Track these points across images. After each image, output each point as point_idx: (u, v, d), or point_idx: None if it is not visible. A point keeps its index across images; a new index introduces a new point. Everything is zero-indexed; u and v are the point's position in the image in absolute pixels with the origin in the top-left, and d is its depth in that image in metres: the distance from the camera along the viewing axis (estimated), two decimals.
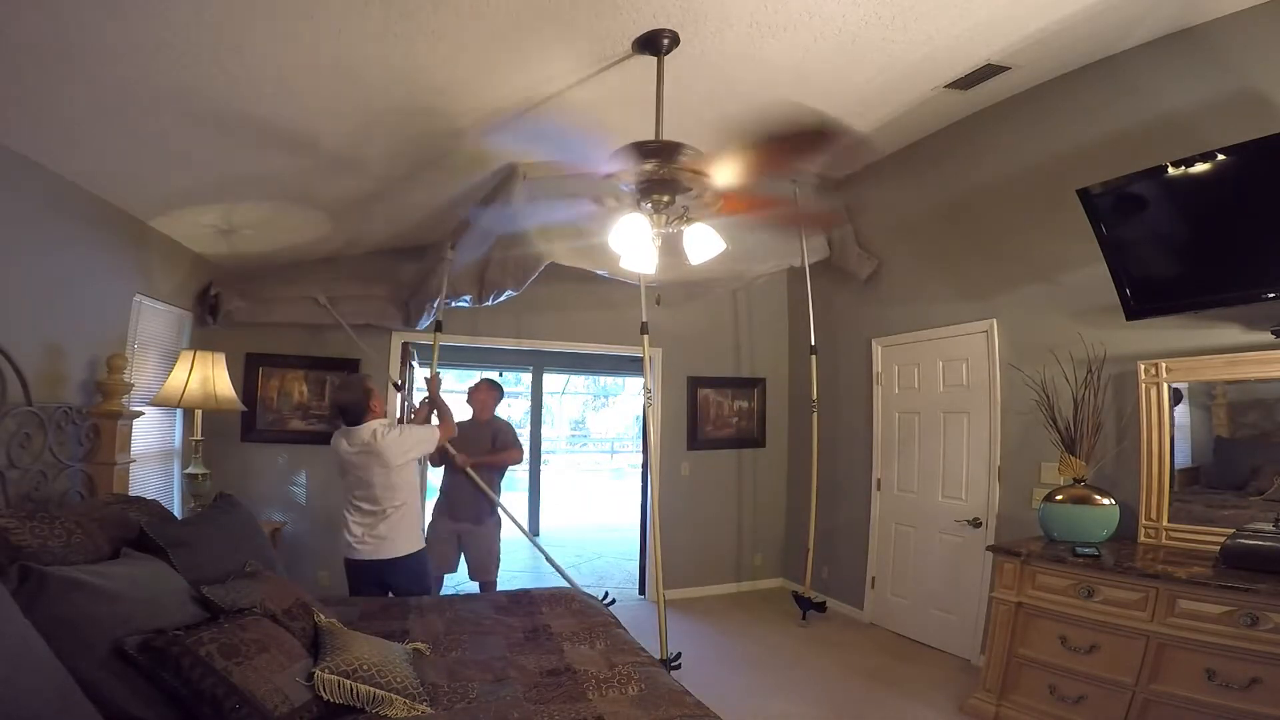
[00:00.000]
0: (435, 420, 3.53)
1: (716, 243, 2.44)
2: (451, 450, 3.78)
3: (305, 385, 4.50)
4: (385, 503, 2.95)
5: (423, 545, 3.16)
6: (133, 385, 2.92)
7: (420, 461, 3.43)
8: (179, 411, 3.76)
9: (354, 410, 2.97)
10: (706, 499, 5.35)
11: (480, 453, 3.98)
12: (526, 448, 9.63)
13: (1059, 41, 2.89)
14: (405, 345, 4.81)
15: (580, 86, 2.67)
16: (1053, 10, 2.62)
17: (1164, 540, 2.76)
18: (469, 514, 3.93)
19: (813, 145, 2.83)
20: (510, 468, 4.24)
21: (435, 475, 4.18)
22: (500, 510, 4.03)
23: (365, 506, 2.97)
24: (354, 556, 2.99)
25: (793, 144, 2.51)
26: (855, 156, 4.40)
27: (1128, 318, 2.85)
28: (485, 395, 4.20)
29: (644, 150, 2.20)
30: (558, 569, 4.18)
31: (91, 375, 2.84)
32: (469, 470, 3.88)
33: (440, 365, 4.07)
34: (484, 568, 3.99)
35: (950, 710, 3.09)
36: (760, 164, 2.30)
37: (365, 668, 1.80)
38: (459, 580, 5.83)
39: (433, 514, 4.01)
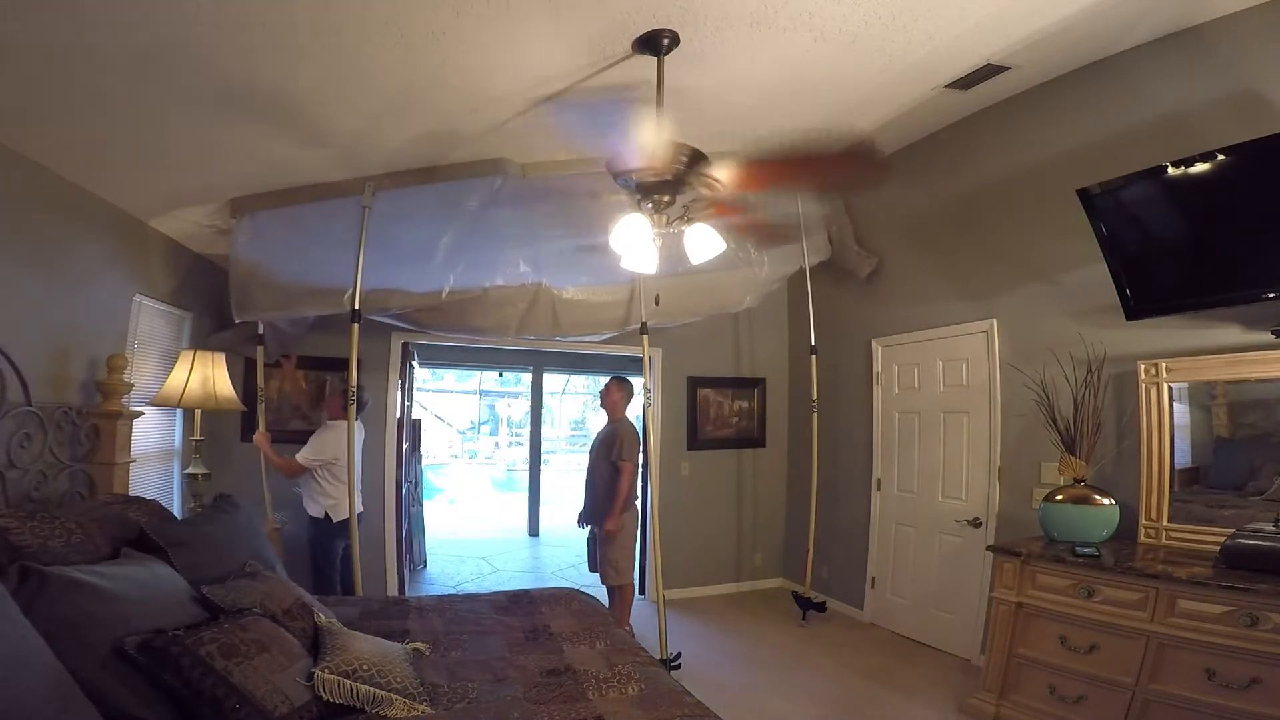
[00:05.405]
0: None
1: (717, 243, 2.44)
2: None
3: (305, 385, 4.50)
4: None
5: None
6: (133, 385, 2.92)
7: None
8: (179, 411, 3.76)
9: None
10: (706, 499, 5.35)
11: (603, 460, 4.00)
12: (526, 447, 9.62)
13: (1059, 41, 2.89)
14: (405, 345, 4.80)
15: (579, 87, 2.67)
16: (1053, 10, 2.61)
17: (1164, 540, 2.76)
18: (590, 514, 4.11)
19: (852, 166, 2.42)
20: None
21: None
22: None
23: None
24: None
25: (826, 162, 2.28)
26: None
27: (1128, 318, 2.85)
28: (616, 395, 4.15)
29: (669, 152, 2.14)
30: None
31: (91, 375, 2.84)
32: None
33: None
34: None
35: (950, 710, 3.09)
36: (780, 176, 2.24)
37: (365, 668, 1.80)
38: (459, 580, 5.87)
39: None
